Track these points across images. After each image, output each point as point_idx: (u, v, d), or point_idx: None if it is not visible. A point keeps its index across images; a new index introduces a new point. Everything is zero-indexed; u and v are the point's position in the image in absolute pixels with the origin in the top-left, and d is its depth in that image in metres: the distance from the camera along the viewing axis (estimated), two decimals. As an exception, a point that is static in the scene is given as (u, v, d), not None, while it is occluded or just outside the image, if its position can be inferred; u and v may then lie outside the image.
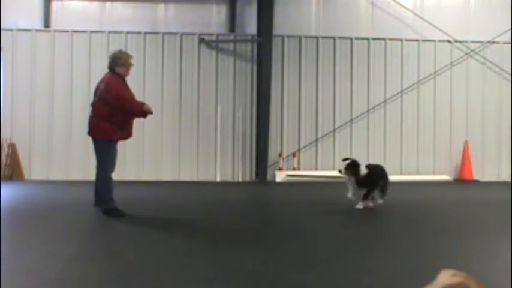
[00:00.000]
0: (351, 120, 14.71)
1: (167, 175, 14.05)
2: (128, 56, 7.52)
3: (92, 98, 7.82)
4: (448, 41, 14.91)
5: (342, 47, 14.76)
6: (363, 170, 8.06)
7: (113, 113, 7.19)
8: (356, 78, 14.77)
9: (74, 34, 14.04)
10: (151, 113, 7.49)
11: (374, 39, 14.81)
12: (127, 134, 7.50)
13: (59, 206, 8.66)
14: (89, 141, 14.29)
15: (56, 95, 13.93)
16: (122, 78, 7.39)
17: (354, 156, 14.71)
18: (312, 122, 14.63)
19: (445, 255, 4.95)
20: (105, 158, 7.28)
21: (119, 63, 7.38)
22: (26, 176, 13.68)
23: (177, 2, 14.48)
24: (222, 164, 14.22)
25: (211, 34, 14.43)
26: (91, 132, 7.42)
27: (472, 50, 14.97)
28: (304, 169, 14.47)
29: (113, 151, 7.37)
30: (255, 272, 4.22)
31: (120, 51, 7.65)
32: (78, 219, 7.01)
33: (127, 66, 7.44)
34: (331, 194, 10.68)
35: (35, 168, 13.80)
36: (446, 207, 8.96)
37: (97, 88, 7.49)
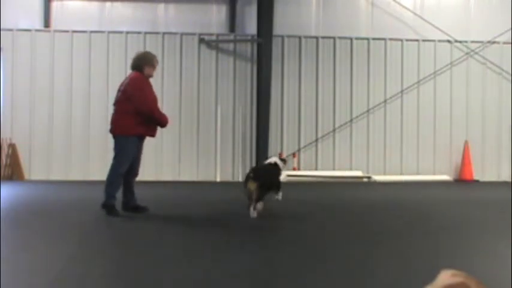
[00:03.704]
0: (351, 120, 14.71)
1: (167, 175, 14.05)
2: (154, 57, 7.63)
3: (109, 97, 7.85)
4: (448, 41, 14.91)
5: (342, 47, 14.76)
6: None
7: (136, 108, 7.19)
8: (356, 78, 14.78)
9: (74, 34, 14.04)
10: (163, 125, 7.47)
11: (374, 39, 14.82)
12: (151, 130, 7.44)
13: (59, 206, 8.66)
14: (89, 141, 14.29)
15: (56, 95, 13.93)
16: (147, 78, 7.43)
17: (353, 155, 14.88)
18: (312, 122, 14.63)
19: (444, 255, 4.95)
20: (121, 154, 7.25)
21: (148, 63, 7.43)
22: (26, 176, 13.69)
23: (177, 2, 14.48)
24: (222, 164, 14.22)
25: (211, 34, 14.43)
26: (112, 129, 7.36)
27: (472, 50, 14.97)
28: (304, 169, 14.47)
29: (132, 148, 7.28)
30: (255, 272, 4.22)
31: (149, 52, 7.86)
32: (78, 219, 7.01)
33: (155, 66, 7.55)
34: (330, 193, 10.69)
35: (35, 168, 13.80)
36: (446, 207, 8.96)
37: (121, 85, 7.46)
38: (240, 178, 14.19)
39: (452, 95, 15.03)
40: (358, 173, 14.54)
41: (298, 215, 7.86)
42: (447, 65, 14.98)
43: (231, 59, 14.48)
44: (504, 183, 14.11)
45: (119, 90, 7.46)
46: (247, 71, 14.46)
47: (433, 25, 14.70)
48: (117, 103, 7.39)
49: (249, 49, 14.51)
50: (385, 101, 14.82)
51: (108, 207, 7.15)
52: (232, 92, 14.42)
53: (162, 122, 7.44)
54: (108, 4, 14.37)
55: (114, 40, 14.00)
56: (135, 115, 7.18)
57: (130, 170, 7.40)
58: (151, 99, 7.32)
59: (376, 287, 3.86)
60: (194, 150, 14.25)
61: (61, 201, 9.38)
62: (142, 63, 7.42)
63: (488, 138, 15.03)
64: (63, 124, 13.92)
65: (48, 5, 14.04)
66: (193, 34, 14.35)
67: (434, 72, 14.96)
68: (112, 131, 7.39)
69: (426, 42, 14.93)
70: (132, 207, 7.44)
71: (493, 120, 15.04)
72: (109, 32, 14.11)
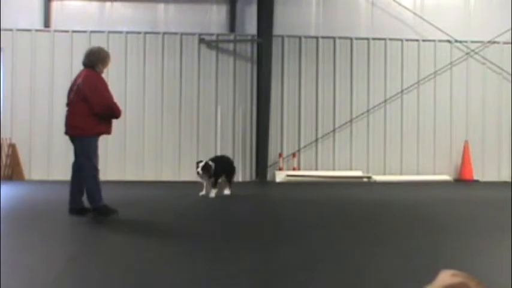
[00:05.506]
0: (351, 120, 14.71)
1: (167, 175, 14.05)
2: (109, 54, 7.33)
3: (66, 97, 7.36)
4: (448, 41, 14.91)
5: (342, 47, 14.76)
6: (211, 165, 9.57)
7: (93, 108, 6.94)
8: (356, 78, 14.78)
9: (74, 34, 14.05)
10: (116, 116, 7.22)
11: (374, 39, 14.82)
12: (108, 128, 7.23)
13: (59, 206, 8.65)
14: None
15: (56, 95, 13.93)
16: (99, 74, 7.16)
17: (353, 155, 14.87)
18: (312, 122, 14.63)
19: (445, 255, 4.95)
20: (90, 155, 7.03)
21: (102, 62, 7.14)
22: (26, 176, 13.69)
23: (177, 2, 14.48)
24: (222, 164, 14.21)
25: (211, 34, 14.44)
26: (69, 130, 7.16)
27: (472, 50, 14.97)
28: (304, 169, 14.47)
29: (96, 147, 7.13)
30: (255, 273, 4.22)
31: (103, 48, 7.44)
32: (78, 219, 7.01)
33: (108, 64, 7.26)
34: (331, 193, 10.68)
35: (35, 168, 13.80)
36: (446, 207, 8.96)
37: (73, 85, 7.17)
38: (240, 178, 14.19)
39: (452, 95, 15.03)
40: (358, 173, 14.54)
41: (298, 214, 7.86)
42: (447, 65, 14.98)
43: (231, 59, 14.48)
44: (504, 183, 14.10)
45: (71, 90, 7.16)
46: (247, 71, 14.47)
47: (433, 25, 14.70)
48: (72, 104, 7.08)
49: (249, 49, 14.52)
50: (385, 101, 14.82)
51: (100, 210, 7.04)
52: (232, 92, 14.42)
53: (119, 114, 7.16)
54: (108, 4, 14.37)
55: (114, 40, 14.00)
56: (94, 115, 6.95)
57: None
58: (107, 96, 7.02)
59: (376, 287, 3.86)
60: (194, 150, 14.24)
61: (61, 201, 9.38)
62: (97, 61, 7.11)
63: (488, 138, 15.03)
64: (63, 124, 13.88)
65: (48, 5, 14.05)
66: (193, 34, 14.35)
67: (435, 72, 14.96)
68: (70, 133, 7.14)
69: (426, 42, 14.94)
70: (80, 208, 7.19)
71: (493, 120, 15.04)
72: (109, 32, 14.11)
